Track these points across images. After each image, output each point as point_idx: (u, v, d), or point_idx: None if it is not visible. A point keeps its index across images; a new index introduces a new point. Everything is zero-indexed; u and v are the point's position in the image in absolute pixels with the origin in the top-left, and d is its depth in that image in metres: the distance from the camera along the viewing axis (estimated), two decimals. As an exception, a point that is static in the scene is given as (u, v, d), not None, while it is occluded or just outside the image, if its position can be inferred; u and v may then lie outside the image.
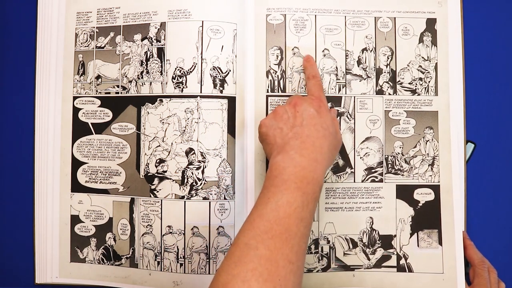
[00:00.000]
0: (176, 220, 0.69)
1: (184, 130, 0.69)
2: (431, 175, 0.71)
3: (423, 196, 0.71)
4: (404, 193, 0.71)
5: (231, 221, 0.69)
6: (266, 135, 0.62)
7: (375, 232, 0.70)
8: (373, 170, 0.71)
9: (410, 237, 0.70)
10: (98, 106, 0.72)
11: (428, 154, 0.71)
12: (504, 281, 0.69)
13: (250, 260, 0.49)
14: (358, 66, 0.71)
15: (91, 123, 0.72)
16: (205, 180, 0.68)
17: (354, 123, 0.71)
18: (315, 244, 0.70)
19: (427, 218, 0.70)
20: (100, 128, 0.72)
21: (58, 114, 0.73)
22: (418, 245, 0.70)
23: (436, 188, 0.70)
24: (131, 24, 0.71)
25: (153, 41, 0.70)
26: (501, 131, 0.74)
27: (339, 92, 0.71)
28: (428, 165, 0.71)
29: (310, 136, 0.58)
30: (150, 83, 0.70)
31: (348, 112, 0.71)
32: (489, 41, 0.75)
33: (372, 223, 0.70)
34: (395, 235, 0.70)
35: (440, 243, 0.70)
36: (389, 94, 0.71)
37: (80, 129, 0.72)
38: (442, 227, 0.70)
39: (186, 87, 0.69)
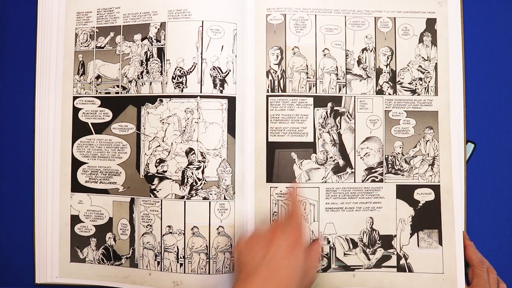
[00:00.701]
0: (176, 220, 0.69)
1: (184, 130, 0.69)
2: (431, 175, 0.71)
3: (423, 196, 0.70)
4: (404, 193, 0.71)
5: (231, 221, 0.69)
6: (239, 256, 0.62)
7: (375, 232, 0.70)
8: (373, 170, 0.71)
9: (410, 237, 0.70)
10: (98, 106, 0.72)
11: (428, 154, 0.71)
12: (504, 281, 0.69)
13: None
14: (358, 66, 0.71)
15: (91, 123, 0.72)
16: (205, 180, 0.68)
17: (355, 123, 0.71)
18: (315, 244, 0.70)
19: (427, 218, 0.70)
20: (100, 128, 0.72)
21: (58, 114, 0.73)
22: (418, 245, 0.70)
23: (436, 188, 0.70)
24: (131, 24, 0.72)
25: (153, 41, 0.70)
26: (501, 131, 0.74)
27: (339, 92, 0.71)
28: (428, 165, 0.71)
29: (276, 273, 0.58)
30: (150, 83, 0.70)
31: (349, 112, 0.71)
32: (489, 41, 0.75)
33: (372, 223, 0.70)
34: (395, 235, 0.70)
35: (440, 243, 0.70)
36: (389, 94, 0.71)
37: (80, 129, 0.72)
38: (442, 227, 0.70)
39: (186, 87, 0.69)
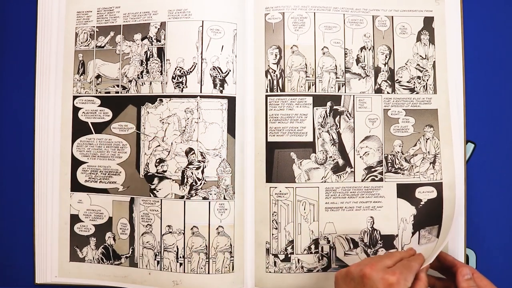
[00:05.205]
0: (175, 220, 0.68)
1: (184, 130, 0.69)
2: (433, 173, 0.70)
3: (425, 194, 0.70)
4: (405, 192, 0.70)
5: (230, 221, 0.68)
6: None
7: (376, 232, 0.70)
8: (372, 169, 0.71)
9: (412, 236, 0.70)
10: (98, 106, 0.72)
11: (429, 152, 0.71)
12: (504, 281, 0.69)
13: None
14: (357, 65, 0.71)
15: (91, 123, 0.72)
16: (205, 180, 0.68)
17: (354, 122, 0.71)
18: (315, 244, 0.69)
19: (429, 216, 0.70)
20: (100, 127, 0.72)
21: (58, 114, 0.73)
22: (418, 243, 0.69)
23: (438, 186, 0.70)
24: (131, 23, 0.72)
25: (153, 41, 0.71)
26: (501, 131, 0.74)
27: (338, 91, 0.71)
28: (430, 163, 0.70)
29: None
30: (150, 83, 0.70)
31: (348, 111, 0.71)
32: (488, 40, 0.75)
33: (373, 223, 0.70)
34: (396, 235, 0.70)
35: (438, 236, 0.69)
36: (388, 92, 0.71)
37: (80, 129, 0.72)
38: (442, 222, 0.69)
39: (186, 87, 0.69)
